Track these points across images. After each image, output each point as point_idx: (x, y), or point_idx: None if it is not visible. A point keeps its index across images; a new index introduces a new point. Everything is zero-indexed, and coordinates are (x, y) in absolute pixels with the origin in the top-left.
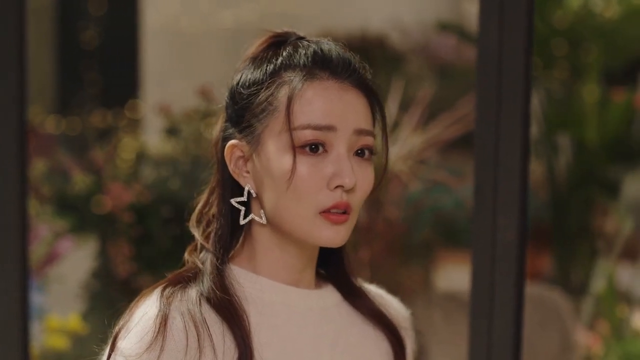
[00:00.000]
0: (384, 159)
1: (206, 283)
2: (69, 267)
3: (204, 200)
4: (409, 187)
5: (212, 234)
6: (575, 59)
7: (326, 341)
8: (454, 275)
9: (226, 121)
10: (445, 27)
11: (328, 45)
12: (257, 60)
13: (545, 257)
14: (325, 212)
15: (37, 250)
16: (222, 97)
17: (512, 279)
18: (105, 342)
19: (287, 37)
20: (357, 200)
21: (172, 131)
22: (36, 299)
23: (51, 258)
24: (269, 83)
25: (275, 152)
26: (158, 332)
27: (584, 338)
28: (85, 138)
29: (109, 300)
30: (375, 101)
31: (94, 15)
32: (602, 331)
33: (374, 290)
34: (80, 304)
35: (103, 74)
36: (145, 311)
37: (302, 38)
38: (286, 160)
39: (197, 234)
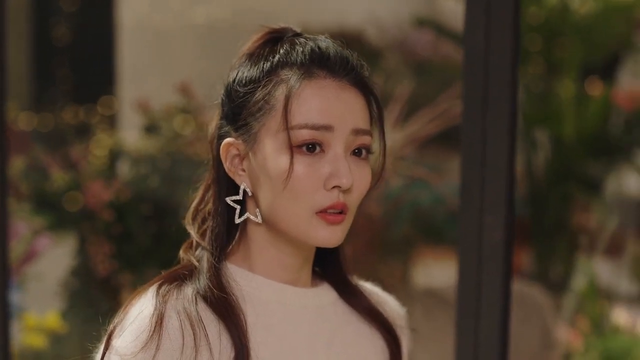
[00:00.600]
0: (381, 158)
1: (202, 281)
2: (47, 265)
3: (199, 197)
4: (389, 184)
5: (208, 232)
6: (550, 55)
7: (322, 340)
8: (434, 272)
9: (222, 118)
10: (422, 22)
11: (325, 43)
12: (253, 57)
13: (523, 253)
14: (322, 212)
15: (15, 248)
16: (200, 94)
17: (499, 279)
18: (86, 341)
19: (284, 33)
20: (354, 200)
21: (151, 128)
22: (14, 297)
23: (29, 256)
24: (265, 81)
25: (271, 151)
26: (154, 330)
27: (564, 334)
28: (58, 134)
29: (89, 298)
30: (373, 99)
31: (67, 12)
32: (583, 327)
33: (370, 289)
34: (58, 302)
35: (75, 71)
36: (141, 309)
37: (299, 34)
38: (283, 160)
39: (192, 231)
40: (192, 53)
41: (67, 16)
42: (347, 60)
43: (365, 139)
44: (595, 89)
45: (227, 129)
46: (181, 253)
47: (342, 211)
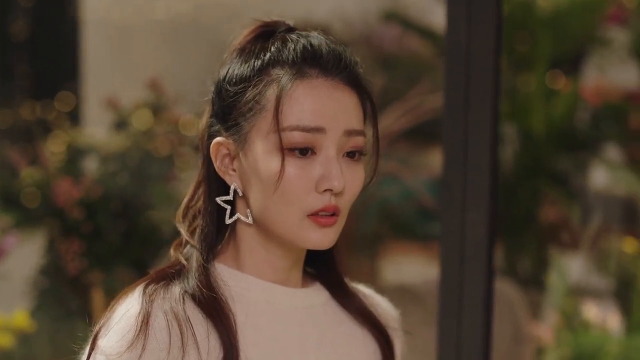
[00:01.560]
0: (374, 158)
1: (191, 280)
2: (14, 263)
3: (190, 195)
4: None
5: (198, 231)
6: (516, 49)
7: (312, 340)
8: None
9: (212, 116)
10: (389, 16)
11: (318, 40)
12: (244, 53)
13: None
14: (314, 215)
15: None
16: (163, 89)
17: (482, 277)
18: (55, 340)
19: (276, 28)
20: (346, 202)
21: (119, 124)
22: None
23: None
24: (257, 81)
25: (262, 153)
26: (140, 330)
27: (535, 330)
28: (18, 131)
29: (58, 297)
30: (366, 98)
31: (24, 7)
32: (554, 323)
33: (363, 290)
34: (26, 301)
35: (34, 66)
36: (127, 309)
37: (291, 29)
38: (274, 162)
39: (183, 229)
40: (153, 48)
41: (25, 11)
42: (340, 57)
43: (358, 140)
44: (561, 83)
45: (217, 127)
46: (171, 251)
47: (334, 213)
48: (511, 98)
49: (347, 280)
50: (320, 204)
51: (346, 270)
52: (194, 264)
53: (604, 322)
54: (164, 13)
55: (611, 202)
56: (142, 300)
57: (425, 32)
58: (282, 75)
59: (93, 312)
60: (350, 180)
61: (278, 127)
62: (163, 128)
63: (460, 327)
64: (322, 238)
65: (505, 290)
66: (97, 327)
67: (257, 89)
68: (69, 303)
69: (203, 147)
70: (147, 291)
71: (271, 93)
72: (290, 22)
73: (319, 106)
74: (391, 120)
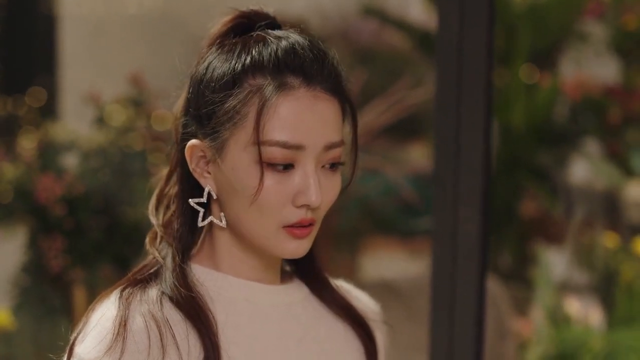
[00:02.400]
0: (352, 167)
1: (168, 281)
2: None
3: (162, 185)
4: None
5: (173, 232)
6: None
7: (293, 337)
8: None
9: (187, 115)
10: (367, 10)
11: (300, 44)
12: (223, 49)
13: None
14: (289, 227)
15: None
16: (144, 84)
17: (475, 274)
18: (38, 338)
19: (255, 20)
20: (322, 212)
21: (99, 120)
22: None
23: None
24: (237, 91)
25: (240, 163)
26: (117, 333)
27: (517, 324)
28: None
29: (40, 295)
30: (347, 103)
31: None
32: (536, 317)
33: (342, 286)
34: (7, 300)
35: (5, 61)
36: (103, 313)
37: (271, 24)
38: (252, 175)
39: (155, 221)
40: (128, 42)
41: None
42: (322, 64)
43: (336, 152)
44: (540, 77)
45: (193, 128)
46: (147, 244)
47: (310, 224)
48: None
49: (327, 275)
50: (296, 218)
51: (325, 265)
52: (170, 264)
53: (585, 317)
54: (136, 7)
55: (592, 197)
56: (119, 304)
57: (403, 26)
58: (264, 85)
59: (75, 310)
60: (326, 192)
61: (258, 141)
62: (144, 123)
63: (452, 325)
64: (297, 248)
65: (487, 285)
66: (74, 335)
67: (237, 99)
68: (51, 301)
69: (177, 140)
70: (123, 294)
71: (252, 104)
72: (270, 11)
73: (299, 121)
74: (373, 116)
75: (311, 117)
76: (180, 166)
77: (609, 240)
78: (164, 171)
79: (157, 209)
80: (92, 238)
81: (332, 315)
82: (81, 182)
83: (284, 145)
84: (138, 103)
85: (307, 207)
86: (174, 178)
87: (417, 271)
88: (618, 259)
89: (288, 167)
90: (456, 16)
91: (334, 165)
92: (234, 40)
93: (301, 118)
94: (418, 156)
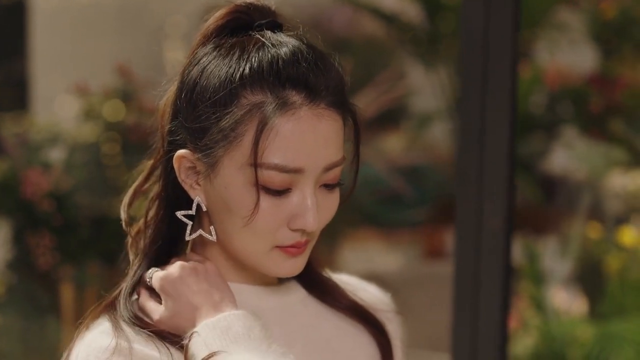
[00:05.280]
0: (352, 180)
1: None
2: None
3: (141, 180)
4: None
5: (145, 242)
6: None
7: (297, 338)
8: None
9: (175, 118)
10: None
11: (303, 53)
12: (220, 52)
13: (451, 232)
14: (283, 247)
15: None
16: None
17: (499, 270)
18: (25, 336)
19: (253, 17)
20: (318, 231)
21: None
22: None
23: None
24: (234, 109)
25: (234, 183)
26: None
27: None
28: None
29: (27, 292)
30: (349, 116)
31: None
32: (522, 309)
33: (346, 280)
34: None
35: None
36: (89, 344)
37: (271, 22)
38: (247, 197)
39: (124, 216)
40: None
41: None
42: (326, 75)
43: (336, 172)
44: (524, 67)
45: (182, 137)
46: (128, 248)
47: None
48: None
49: (325, 272)
50: (291, 241)
51: (321, 264)
52: (126, 288)
53: (570, 308)
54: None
55: (573, 186)
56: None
57: (378, 13)
58: (263, 104)
59: (63, 308)
60: (324, 212)
61: (255, 164)
62: (133, 116)
63: (476, 321)
64: (292, 267)
65: None
66: None
67: (234, 118)
68: (38, 299)
69: (163, 144)
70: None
71: (250, 124)
72: (270, 4)
73: (300, 144)
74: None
75: (312, 138)
76: (165, 172)
77: (592, 230)
78: (146, 164)
79: (130, 204)
80: (80, 234)
81: (336, 315)
82: (68, 177)
83: (283, 169)
84: (126, 95)
85: (303, 230)
86: (156, 174)
87: (398, 263)
88: (601, 249)
89: (285, 191)
90: (480, 6)
91: (331, 186)
92: (230, 42)
93: (302, 140)
94: (394, 147)
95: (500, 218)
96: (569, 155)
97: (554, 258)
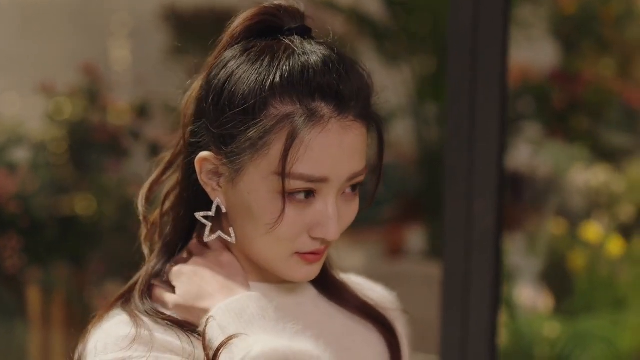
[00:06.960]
0: (374, 187)
1: (138, 305)
2: None
3: (160, 171)
4: None
5: (165, 238)
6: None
7: (309, 334)
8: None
9: (198, 119)
10: None
11: (334, 62)
12: (249, 56)
13: (414, 230)
14: (302, 254)
15: None
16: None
17: (489, 270)
18: None
19: (283, 21)
20: (337, 237)
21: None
22: None
23: None
24: (263, 118)
25: (258, 190)
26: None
27: None
28: None
29: None
30: (374, 125)
31: None
32: None
33: (354, 279)
34: None
35: None
36: (110, 330)
37: (301, 28)
38: (271, 204)
39: (142, 209)
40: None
41: None
42: (355, 86)
43: (358, 179)
44: None
45: (205, 140)
46: (142, 241)
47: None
48: (434, 80)
49: (335, 272)
50: (311, 248)
51: (334, 264)
52: (142, 281)
53: (535, 305)
54: None
55: (538, 183)
56: (132, 321)
57: (333, 7)
58: (293, 115)
59: (29, 311)
60: (344, 219)
61: (283, 174)
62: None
63: (467, 322)
64: (308, 273)
65: (434, 273)
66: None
67: (263, 127)
68: (5, 301)
69: (185, 143)
70: (127, 311)
71: (279, 134)
72: (300, 6)
73: (327, 156)
74: None
75: (339, 151)
76: (186, 173)
77: (557, 227)
78: (165, 156)
79: (148, 198)
80: (47, 236)
81: (346, 314)
82: (34, 177)
83: (309, 179)
84: (92, 94)
85: (323, 239)
86: (173, 168)
87: (361, 262)
88: (567, 246)
89: (309, 195)
90: (469, 6)
91: (354, 189)
92: (260, 46)
93: (329, 152)
94: None
95: (491, 217)
96: (532, 152)
97: (521, 255)
